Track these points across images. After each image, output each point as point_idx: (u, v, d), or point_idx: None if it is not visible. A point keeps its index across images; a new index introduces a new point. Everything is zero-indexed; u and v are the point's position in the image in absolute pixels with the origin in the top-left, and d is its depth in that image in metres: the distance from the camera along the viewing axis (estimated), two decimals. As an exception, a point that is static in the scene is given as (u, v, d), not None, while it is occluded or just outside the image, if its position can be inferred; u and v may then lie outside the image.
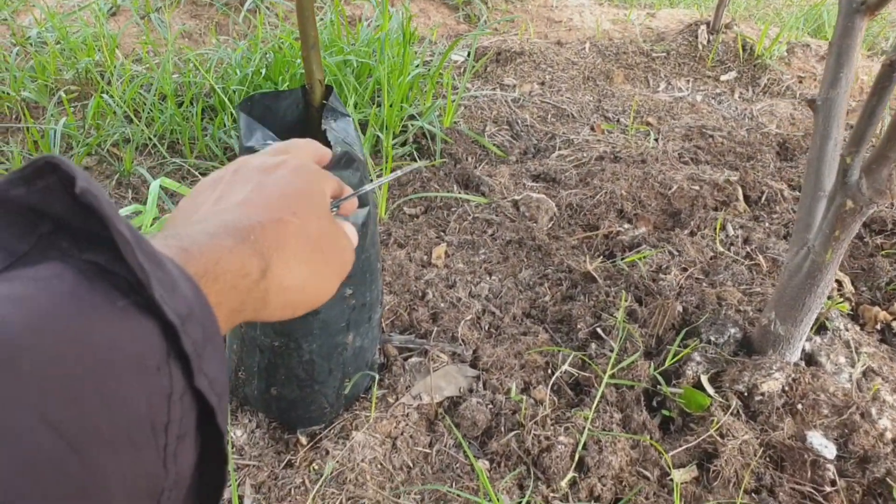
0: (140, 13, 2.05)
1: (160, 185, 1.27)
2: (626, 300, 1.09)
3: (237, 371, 0.93)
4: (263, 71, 1.55)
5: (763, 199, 1.45)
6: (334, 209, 0.45)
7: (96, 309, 0.22)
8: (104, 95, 1.50)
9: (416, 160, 1.63)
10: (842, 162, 0.85)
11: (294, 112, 0.95)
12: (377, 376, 0.97)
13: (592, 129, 1.87)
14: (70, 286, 0.22)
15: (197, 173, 1.44)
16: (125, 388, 0.22)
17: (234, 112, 1.50)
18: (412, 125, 1.64)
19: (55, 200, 0.23)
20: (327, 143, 0.85)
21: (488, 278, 1.21)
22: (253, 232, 0.35)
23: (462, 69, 2.12)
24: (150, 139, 1.49)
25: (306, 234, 0.38)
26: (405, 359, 1.02)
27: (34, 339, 0.20)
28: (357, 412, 0.94)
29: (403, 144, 1.66)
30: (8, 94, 1.56)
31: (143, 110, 1.52)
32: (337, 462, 0.87)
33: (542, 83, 2.08)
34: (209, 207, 0.38)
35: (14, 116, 1.54)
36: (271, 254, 0.35)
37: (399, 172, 0.54)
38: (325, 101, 0.92)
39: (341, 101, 1.00)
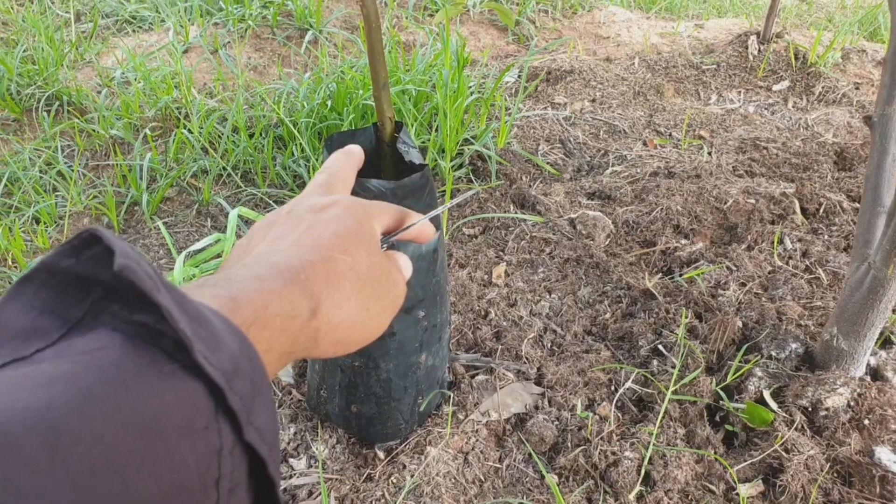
0: (210, 49, 2.18)
1: (238, 214, 1.36)
2: (685, 317, 1.12)
3: (319, 389, 1.00)
4: (329, 102, 1.64)
5: (821, 211, 1.46)
6: (385, 244, 0.45)
7: (142, 379, 0.23)
8: (184, 131, 1.61)
9: (472, 181, 1.69)
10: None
11: (368, 147, 1.02)
12: (449, 394, 1.02)
13: (645, 144, 1.89)
14: (116, 357, 0.23)
15: (270, 201, 1.54)
16: (173, 454, 0.23)
17: (302, 143, 1.59)
18: (468, 149, 1.70)
19: (102, 269, 0.24)
20: (404, 168, 0.92)
21: (548, 296, 1.26)
22: (303, 272, 0.35)
23: (514, 90, 2.17)
24: (225, 169, 1.60)
25: (356, 271, 0.38)
26: (472, 377, 1.07)
27: (79, 421, 0.20)
28: (430, 428, 0.99)
29: (460, 167, 1.72)
30: (99, 132, 1.69)
31: (219, 143, 1.62)
32: (414, 476, 0.93)
33: (593, 100, 2.12)
34: (263, 248, 0.39)
35: (104, 153, 1.67)
36: (321, 293, 0.36)
37: (456, 200, 0.57)
38: (396, 136, 0.99)
39: (409, 133, 1.07)
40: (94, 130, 1.72)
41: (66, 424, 0.20)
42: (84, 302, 0.25)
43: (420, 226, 0.49)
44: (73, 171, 1.56)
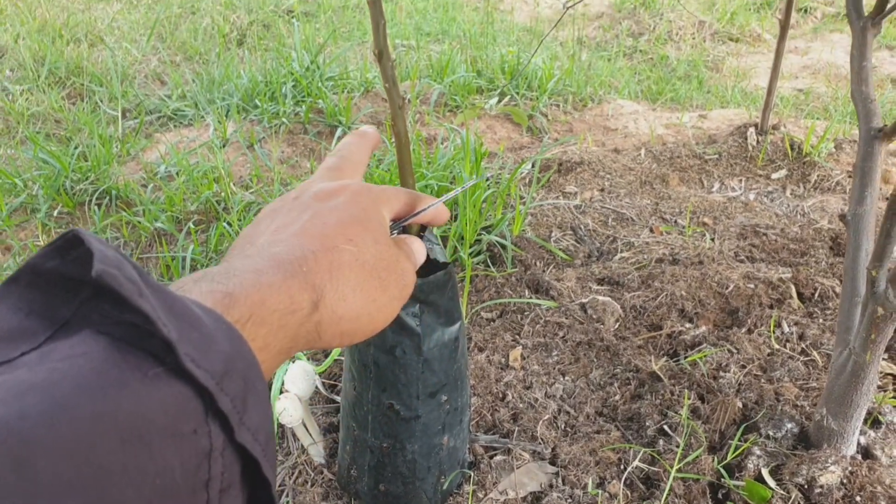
0: (246, 144, 2.37)
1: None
2: (688, 398, 1.20)
3: (349, 469, 1.09)
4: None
5: (816, 295, 1.55)
6: (395, 231, 0.44)
7: (124, 384, 0.22)
8: (224, 224, 1.76)
9: (490, 267, 1.81)
10: (868, 274, 0.97)
11: (394, 245, 1.15)
12: (469, 473, 1.11)
13: (651, 230, 2.02)
14: (97, 363, 0.22)
15: (301, 288, 1.67)
16: (157, 459, 0.22)
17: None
18: (485, 237, 1.83)
19: (88, 270, 0.24)
20: (429, 264, 1.03)
21: (562, 379, 1.35)
22: (305, 263, 0.35)
23: (528, 179, 2.32)
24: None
25: (362, 261, 0.37)
26: (491, 457, 1.16)
27: (51, 433, 0.20)
28: None
29: (478, 254, 1.84)
30: (144, 225, 1.85)
31: (256, 235, 1.77)
32: (438, 548, 1.00)
33: (602, 189, 2.26)
34: (266, 238, 0.38)
35: (149, 244, 1.82)
36: (324, 284, 0.35)
37: (460, 189, 0.58)
38: (421, 234, 1.12)
39: (433, 231, 1.19)
40: (139, 223, 1.88)
41: (37, 437, 0.19)
42: (72, 302, 0.25)
43: (434, 209, 0.48)
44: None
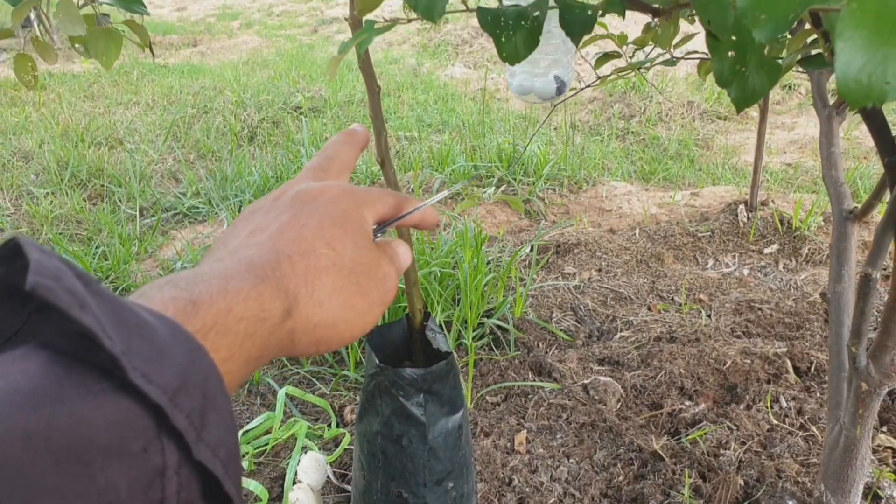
0: (256, 239, 2.48)
1: (285, 392, 1.54)
2: (689, 477, 1.23)
3: (362, 556, 1.11)
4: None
5: (812, 369, 1.60)
6: (380, 234, 0.43)
7: (63, 402, 0.21)
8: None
9: (493, 350, 1.86)
10: (849, 351, 1.03)
11: (400, 334, 1.21)
12: (478, 557, 1.13)
13: (649, 308, 2.08)
14: (35, 380, 0.21)
15: (313, 378, 1.72)
16: (98, 480, 0.21)
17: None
18: (487, 321, 1.89)
19: None
20: (432, 353, 1.09)
21: (567, 461, 1.38)
22: (279, 268, 0.34)
23: (527, 262, 2.41)
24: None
25: (340, 266, 0.36)
26: (500, 540, 1.18)
27: None
28: (463, 591, 1.09)
29: (482, 337, 1.90)
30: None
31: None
32: None
33: (600, 269, 2.34)
34: (241, 241, 0.37)
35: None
36: (298, 290, 0.34)
37: (446, 193, 0.56)
38: (424, 324, 1.19)
39: (435, 321, 1.26)
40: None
41: None
42: (20, 314, 0.24)
43: (421, 213, 0.46)
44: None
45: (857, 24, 0.36)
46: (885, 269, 1.99)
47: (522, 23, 0.60)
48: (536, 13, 0.60)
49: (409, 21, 0.59)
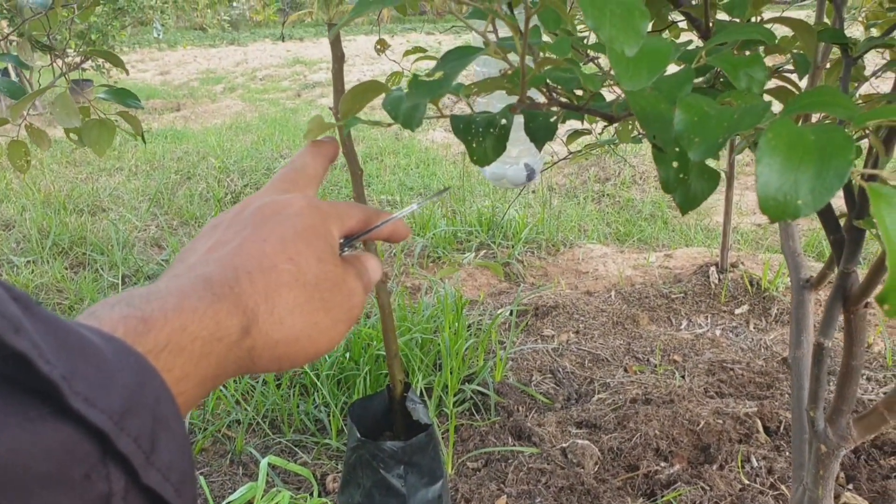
0: (239, 306, 2.52)
1: (268, 462, 1.55)
2: (665, 540, 1.27)
3: None
4: (348, 355, 1.91)
5: (781, 428, 1.65)
6: (347, 248, 0.42)
7: None
8: (221, 388, 1.86)
9: (474, 415, 1.89)
10: (807, 415, 1.08)
11: (381, 406, 1.25)
12: None
13: (626, 370, 2.13)
14: None
15: (295, 447, 1.73)
16: None
17: (324, 392, 1.83)
18: (468, 387, 1.93)
19: None
20: (412, 424, 1.13)
21: (546, 525, 1.40)
22: (238, 284, 0.33)
23: (507, 325, 2.46)
24: (255, 419, 1.82)
25: (302, 282, 0.35)
26: None
27: None
28: None
29: (462, 402, 1.93)
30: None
31: (251, 395, 1.86)
32: None
33: (577, 331, 2.40)
34: (200, 256, 0.36)
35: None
36: (258, 307, 0.33)
37: (415, 206, 0.55)
38: (405, 395, 1.23)
39: (415, 392, 1.30)
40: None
41: None
42: None
43: (392, 226, 0.45)
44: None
45: (772, 152, 0.43)
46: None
47: (491, 130, 0.67)
48: (503, 121, 0.67)
49: (389, 126, 0.66)
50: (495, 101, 1.39)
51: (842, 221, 1.07)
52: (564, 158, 1.86)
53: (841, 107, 0.47)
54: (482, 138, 0.66)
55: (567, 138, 1.59)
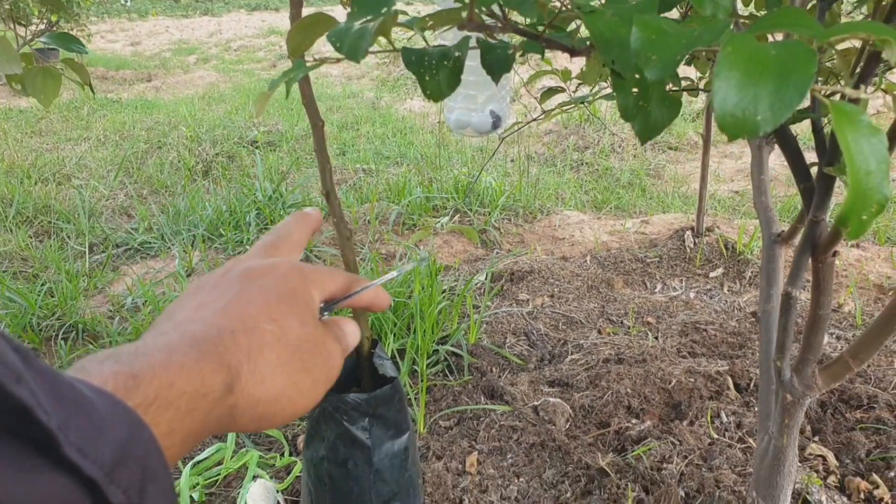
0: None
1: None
2: (633, 490, 1.27)
3: (310, 583, 1.11)
4: (316, 317, 1.88)
5: (751, 385, 1.66)
6: (326, 313, 0.44)
7: None
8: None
9: (448, 376, 1.88)
10: (774, 365, 1.08)
11: (349, 362, 1.23)
12: (427, 579, 1.14)
13: (599, 332, 2.13)
14: None
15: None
16: None
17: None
18: (442, 348, 1.91)
19: None
20: (379, 378, 1.11)
21: (517, 480, 1.40)
22: (222, 342, 0.34)
23: (482, 289, 2.45)
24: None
25: (284, 342, 0.36)
26: (450, 561, 1.19)
27: None
28: None
29: (436, 364, 1.92)
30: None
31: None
32: None
33: (552, 295, 2.39)
34: (186, 314, 0.37)
35: (115, 374, 1.87)
36: (241, 365, 0.34)
37: (395, 273, 0.56)
38: (372, 351, 1.21)
39: (384, 349, 1.28)
40: (106, 353, 1.92)
41: None
42: None
43: (372, 293, 0.46)
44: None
45: (731, 66, 0.40)
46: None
47: (445, 62, 0.63)
48: (458, 53, 0.63)
49: (338, 61, 0.63)
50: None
51: (813, 172, 1.06)
52: (537, 118, 1.82)
53: (805, 26, 0.45)
54: (435, 71, 0.62)
55: (541, 96, 1.56)
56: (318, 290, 0.42)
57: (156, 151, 4.20)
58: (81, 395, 0.25)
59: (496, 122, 1.42)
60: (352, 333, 0.44)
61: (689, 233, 2.71)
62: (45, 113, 5.23)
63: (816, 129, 1.04)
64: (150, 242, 2.77)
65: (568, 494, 1.33)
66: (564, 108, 1.75)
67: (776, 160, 4.35)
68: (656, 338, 2.03)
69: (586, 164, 4.49)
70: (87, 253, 2.68)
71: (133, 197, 3.33)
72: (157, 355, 0.31)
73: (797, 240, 1.23)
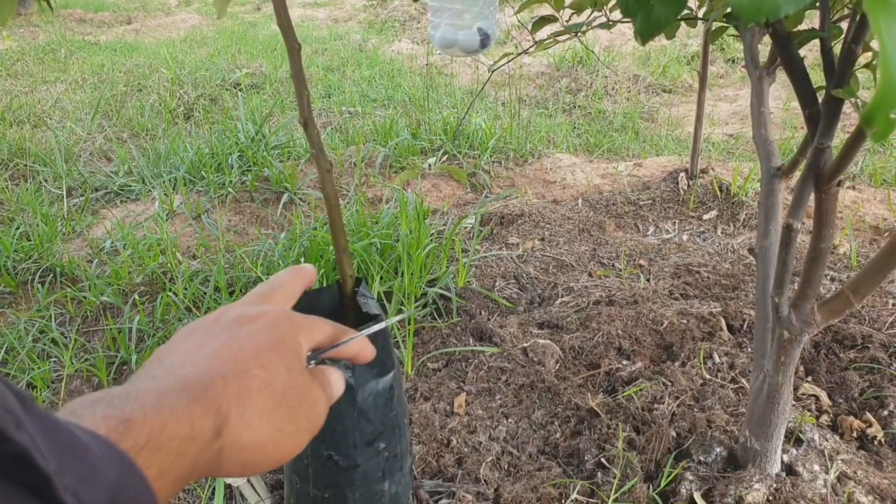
0: (193, 215, 2.40)
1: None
2: (623, 430, 1.25)
3: (294, 524, 1.09)
4: (302, 259, 1.83)
5: (744, 326, 1.63)
6: (312, 362, 0.44)
7: None
8: (169, 293, 1.77)
9: (436, 319, 1.85)
10: (772, 301, 1.04)
11: (331, 302, 1.18)
12: (413, 518, 1.12)
13: (590, 275, 2.09)
14: None
15: (248, 352, 1.68)
16: None
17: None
18: (430, 291, 1.87)
19: None
20: (363, 317, 1.07)
21: (505, 421, 1.38)
22: (212, 387, 0.34)
23: (472, 233, 2.40)
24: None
25: (272, 388, 0.37)
26: (436, 502, 1.17)
27: None
28: (398, 553, 1.08)
29: (425, 306, 1.88)
30: (90, 300, 1.85)
31: (203, 302, 1.79)
32: None
33: (543, 239, 2.34)
34: (177, 358, 0.37)
35: (95, 318, 1.82)
36: (229, 410, 0.34)
37: (384, 323, 0.56)
38: (356, 290, 1.16)
39: (368, 288, 1.24)
40: (85, 298, 1.87)
41: None
42: None
43: (357, 345, 0.48)
44: (65, 337, 1.70)
45: None
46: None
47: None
48: None
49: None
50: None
51: (820, 96, 1.00)
52: (528, 49, 1.74)
53: None
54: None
55: (532, 26, 1.47)
56: (307, 338, 0.43)
57: (136, 94, 4.06)
58: (76, 438, 0.25)
59: (484, 40, 1.34)
60: (337, 383, 0.44)
61: (682, 175, 2.65)
62: (21, 55, 5.05)
63: (825, 50, 0.97)
64: (130, 185, 2.69)
65: (557, 434, 1.31)
66: (557, 37, 1.66)
67: (773, 104, 4.26)
68: (648, 280, 1.99)
69: (579, 106, 4.39)
70: (64, 196, 2.59)
71: (112, 140, 3.22)
72: (148, 399, 0.31)
73: (796, 176, 1.18)
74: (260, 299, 0.45)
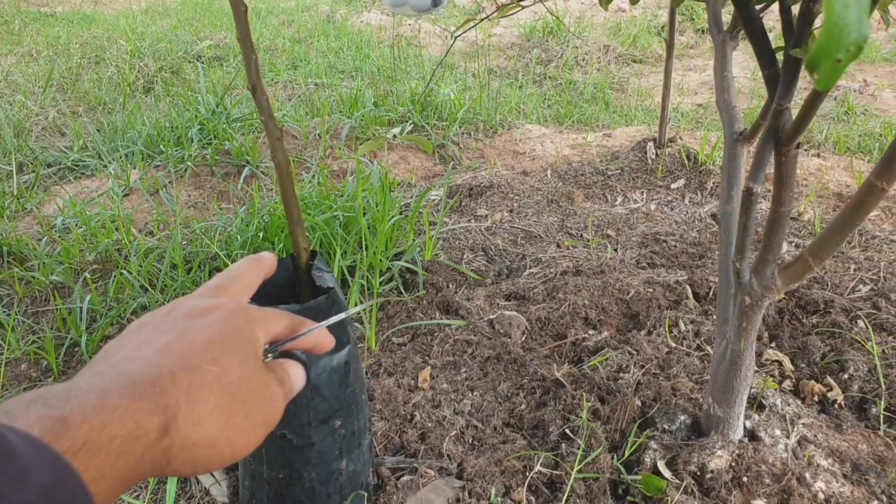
0: (150, 191, 2.32)
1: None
2: (588, 401, 1.23)
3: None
4: (262, 234, 1.78)
5: (710, 294, 1.62)
6: (269, 355, 0.43)
7: None
8: (123, 271, 1.71)
9: (402, 293, 1.81)
10: (733, 266, 1.03)
11: (286, 276, 1.14)
12: (368, 495, 1.09)
13: (558, 246, 2.07)
14: None
15: (207, 330, 1.63)
16: None
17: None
18: (396, 265, 1.84)
19: None
20: (318, 291, 1.03)
21: (470, 394, 1.36)
22: (160, 383, 0.33)
23: (439, 205, 2.36)
24: (162, 303, 1.69)
25: (225, 383, 0.35)
26: (398, 478, 1.15)
27: None
28: (358, 530, 1.05)
29: (390, 280, 1.85)
30: (38, 279, 1.78)
31: (158, 280, 1.73)
32: (343, 577, 0.98)
33: (511, 210, 2.32)
34: (125, 353, 0.36)
35: (44, 299, 1.75)
36: (179, 406, 0.33)
37: (343, 315, 0.54)
38: (311, 263, 1.12)
39: (324, 260, 1.19)
40: (33, 278, 1.80)
41: None
42: None
43: (316, 336, 0.46)
44: (11, 318, 1.63)
45: None
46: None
47: None
48: None
49: None
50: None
51: (779, 57, 0.97)
52: (491, 15, 1.69)
53: None
54: None
55: (494, -12, 1.42)
56: (263, 331, 0.41)
57: (93, 66, 3.92)
58: (4, 440, 0.24)
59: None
60: (296, 376, 0.43)
61: (651, 144, 2.64)
62: (-30, 27, 4.83)
63: (784, 9, 0.95)
64: (84, 161, 2.60)
65: (522, 406, 1.30)
66: (520, 2, 1.61)
67: (741, 73, 4.26)
68: (615, 250, 1.98)
69: (549, 77, 4.34)
70: (14, 172, 2.49)
71: (66, 114, 3.10)
72: (89, 398, 0.30)
73: (759, 137, 1.16)
74: (215, 291, 0.44)
